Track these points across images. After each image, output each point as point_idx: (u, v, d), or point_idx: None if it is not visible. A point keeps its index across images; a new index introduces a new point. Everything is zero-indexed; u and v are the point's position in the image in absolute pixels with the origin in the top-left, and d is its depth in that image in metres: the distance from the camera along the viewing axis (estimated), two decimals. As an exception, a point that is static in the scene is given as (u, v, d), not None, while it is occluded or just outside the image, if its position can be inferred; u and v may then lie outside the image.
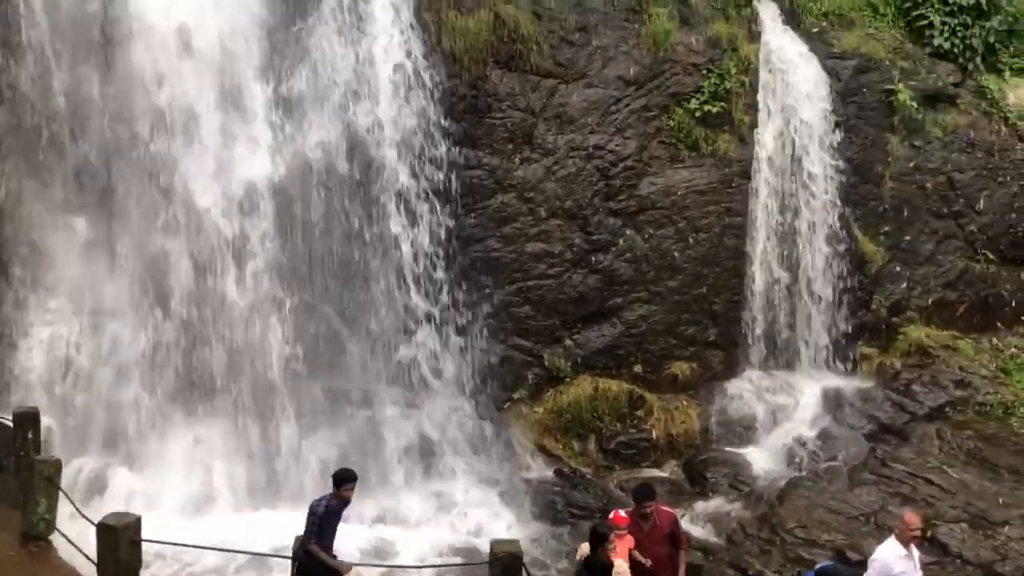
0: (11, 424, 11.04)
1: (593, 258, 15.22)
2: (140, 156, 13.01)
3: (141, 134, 12.98)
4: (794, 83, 16.15)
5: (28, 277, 13.05)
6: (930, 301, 16.80)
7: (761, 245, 16.14)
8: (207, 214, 13.23)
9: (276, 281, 13.51)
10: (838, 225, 16.22)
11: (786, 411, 15.59)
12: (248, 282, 13.37)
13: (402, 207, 14.18)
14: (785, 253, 16.18)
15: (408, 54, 14.09)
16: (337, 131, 13.75)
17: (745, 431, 15.30)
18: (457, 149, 14.37)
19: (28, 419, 11.01)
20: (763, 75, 16.08)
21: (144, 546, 9.38)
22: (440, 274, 14.40)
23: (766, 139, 16.14)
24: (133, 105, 12.96)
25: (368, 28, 13.90)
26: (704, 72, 15.57)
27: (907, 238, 16.82)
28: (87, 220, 13.19)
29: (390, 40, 14.02)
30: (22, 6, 12.56)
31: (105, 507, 10.91)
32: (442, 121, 14.22)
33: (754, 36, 16.14)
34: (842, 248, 16.26)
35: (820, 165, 16.10)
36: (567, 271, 15.09)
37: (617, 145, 15.14)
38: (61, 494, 10.30)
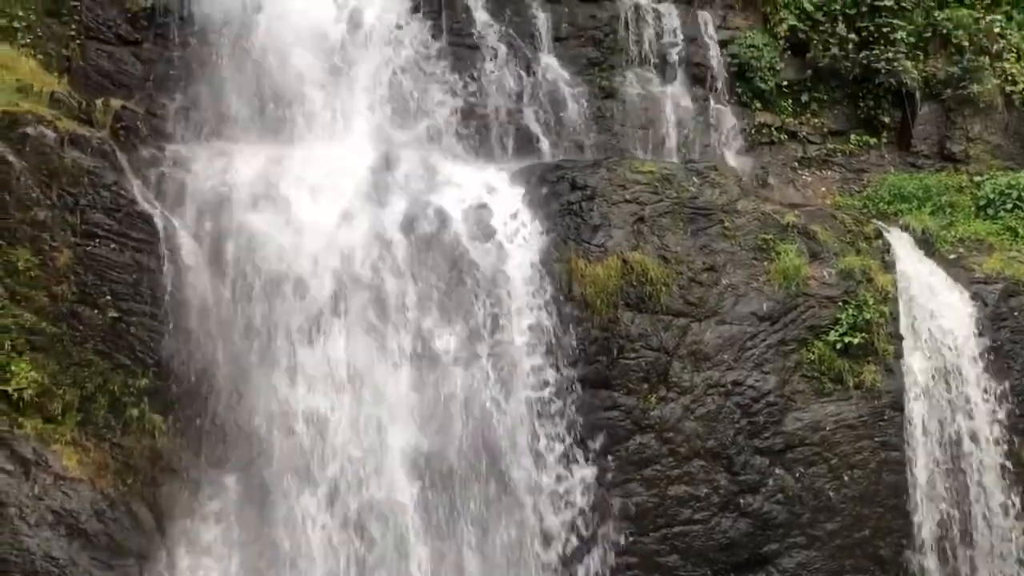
0: None
1: (742, 500, 14.44)
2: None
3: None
4: (937, 310, 15.70)
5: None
6: None
7: (924, 481, 15.01)
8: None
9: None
10: (1008, 456, 15.00)
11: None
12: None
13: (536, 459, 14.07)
14: (953, 489, 14.93)
15: (541, 305, 14.56)
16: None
17: None
18: (591, 391, 14.34)
19: None
20: (903, 304, 15.73)
21: None
22: (579, 523, 13.90)
23: (914, 369, 15.52)
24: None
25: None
26: (840, 304, 15.34)
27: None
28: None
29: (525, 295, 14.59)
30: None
31: None
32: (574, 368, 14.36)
33: (888, 266, 15.96)
34: (1017, 486, 14.94)
35: (978, 392, 15.22)
36: (715, 515, 14.32)
37: (757, 381, 14.79)
38: None
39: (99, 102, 14.78)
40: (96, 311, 13.11)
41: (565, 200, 14.90)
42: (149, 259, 13.45)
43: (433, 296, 14.02)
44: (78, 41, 15.31)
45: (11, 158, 13.05)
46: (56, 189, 13.16)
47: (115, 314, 13.17)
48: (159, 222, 13.57)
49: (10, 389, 12.40)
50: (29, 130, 13.26)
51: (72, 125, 13.82)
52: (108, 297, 13.15)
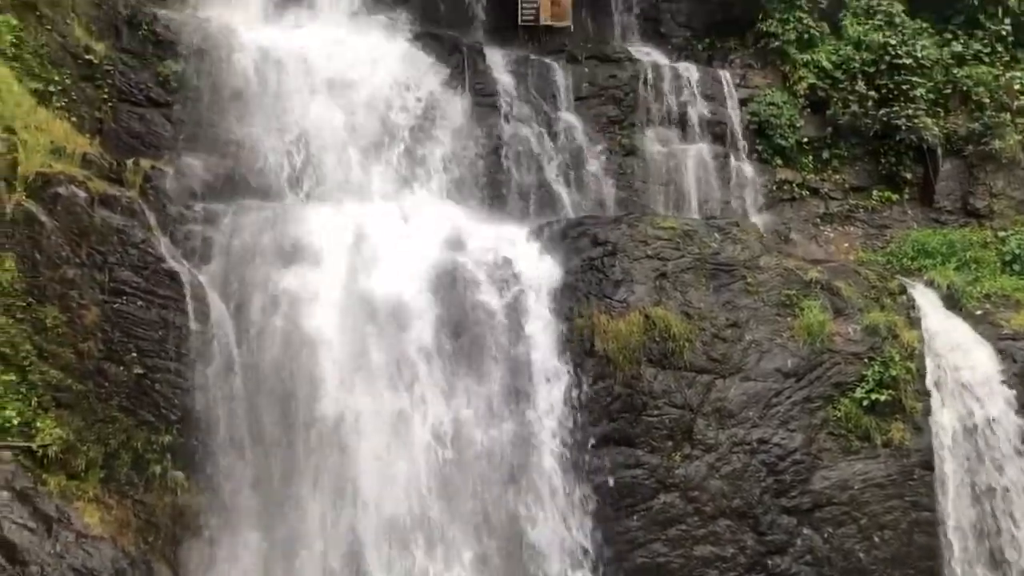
0: None
1: (769, 561, 14.15)
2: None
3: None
4: (965, 367, 15.47)
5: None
6: None
7: (958, 543, 14.64)
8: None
9: None
10: (1045, 517, 14.62)
11: None
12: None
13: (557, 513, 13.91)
14: (989, 551, 14.54)
15: (564, 361, 14.51)
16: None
17: None
18: (614, 449, 14.21)
19: None
20: (930, 361, 15.52)
21: None
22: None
23: (943, 426, 15.25)
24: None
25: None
26: (866, 360, 15.17)
27: None
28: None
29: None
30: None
31: None
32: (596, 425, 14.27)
33: (914, 322, 15.81)
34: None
35: (1010, 448, 14.90)
36: (742, 576, 14.06)
37: (783, 438, 14.60)
38: None
39: (130, 162, 15.10)
40: (122, 368, 13.23)
41: (587, 256, 14.95)
42: (175, 315, 13.60)
43: (454, 353, 14.03)
44: (110, 104, 15.69)
45: (43, 218, 13.33)
46: (86, 247, 13.39)
47: (140, 370, 13.27)
48: (186, 279, 13.74)
49: (35, 446, 12.47)
50: (61, 190, 13.56)
51: (103, 185, 14.11)
52: (134, 354, 13.27)
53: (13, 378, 12.77)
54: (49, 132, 14.41)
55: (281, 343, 14.03)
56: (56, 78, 15.22)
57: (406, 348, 13.92)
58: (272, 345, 13.96)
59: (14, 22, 15.01)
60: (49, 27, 15.40)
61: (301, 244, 14.33)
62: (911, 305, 16.02)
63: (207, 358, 13.64)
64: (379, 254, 14.38)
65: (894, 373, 14.98)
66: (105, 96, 15.72)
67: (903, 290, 16.26)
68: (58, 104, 15.13)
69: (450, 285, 14.34)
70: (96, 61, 15.64)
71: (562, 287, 14.70)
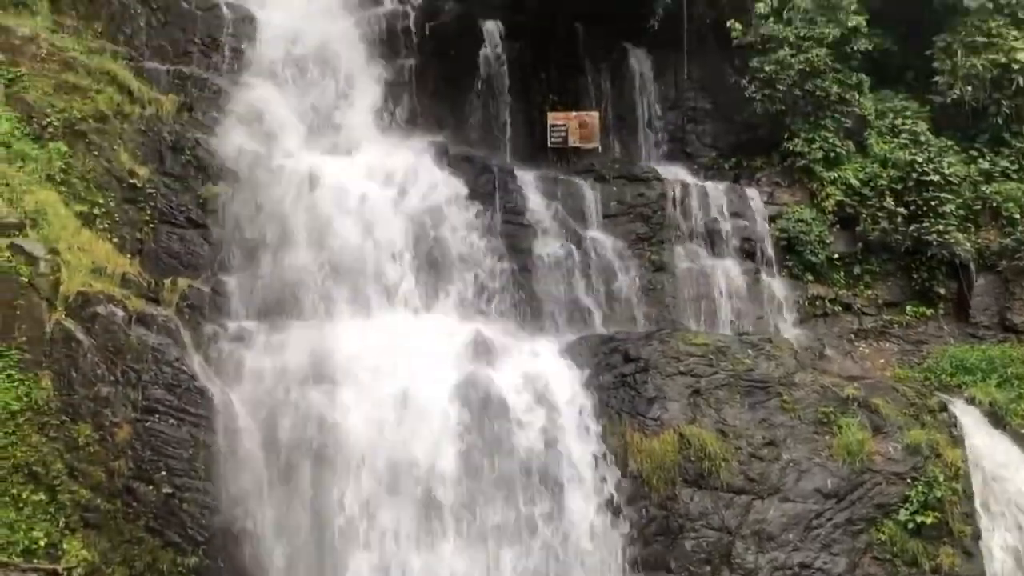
0: None
1: None
2: None
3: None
4: (1015, 487, 14.92)
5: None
6: None
7: None
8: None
9: None
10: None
11: None
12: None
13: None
14: None
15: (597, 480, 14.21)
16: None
17: None
18: (651, 575, 13.72)
19: None
20: (977, 481, 15.01)
21: None
22: None
23: (995, 551, 14.62)
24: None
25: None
26: (908, 481, 14.71)
27: None
28: None
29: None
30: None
31: None
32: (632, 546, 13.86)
33: (957, 440, 15.37)
34: None
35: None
36: None
37: (825, 563, 14.04)
38: None
39: (167, 282, 15.43)
40: (151, 487, 13.13)
41: (619, 372, 14.84)
42: (205, 434, 13.57)
43: (484, 471, 13.78)
44: (151, 225, 16.12)
45: (81, 336, 13.52)
46: (121, 365, 13.52)
47: (169, 490, 13.16)
48: (217, 397, 13.77)
49: (60, 568, 12.26)
50: (100, 309, 13.80)
51: (140, 304, 14.36)
52: (163, 472, 13.19)
53: (43, 498, 12.69)
54: (91, 253, 14.79)
55: (311, 463, 13.90)
56: (100, 201, 15.71)
57: (436, 463, 13.69)
58: (302, 465, 13.81)
59: (64, 149, 15.64)
60: (96, 153, 16.00)
61: (331, 363, 14.35)
62: (953, 423, 15.61)
63: (236, 478, 13.51)
64: (410, 369, 14.33)
65: (939, 494, 14.47)
66: (147, 218, 16.17)
67: (944, 407, 15.88)
68: (101, 226, 15.57)
69: (480, 401, 14.22)
70: (139, 184, 16.16)
71: (594, 404, 14.53)
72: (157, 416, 13.42)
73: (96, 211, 15.60)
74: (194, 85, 18.08)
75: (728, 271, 18.92)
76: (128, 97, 16.95)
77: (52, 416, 12.97)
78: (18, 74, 15.96)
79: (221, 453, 13.53)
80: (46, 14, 17.90)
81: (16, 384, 12.98)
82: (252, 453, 13.78)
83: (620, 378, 14.79)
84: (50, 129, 15.68)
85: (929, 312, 19.73)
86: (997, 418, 16.15)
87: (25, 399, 12.89)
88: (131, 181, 16.13)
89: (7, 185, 14.46)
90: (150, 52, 18.98)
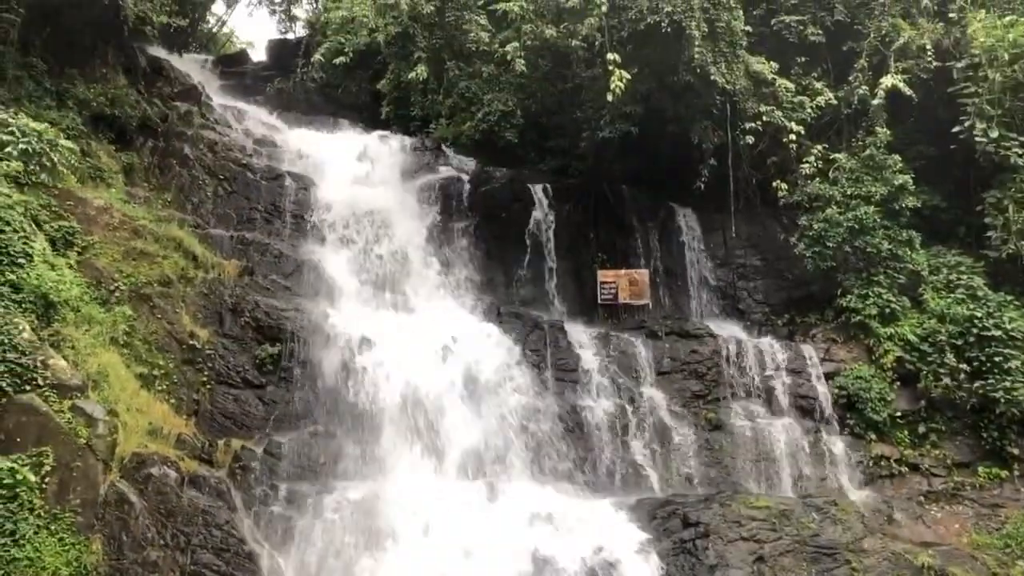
0: None
1: None
2: None
3: None
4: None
5: None
6: None
7: None
8: None
9: None
10: None
11: None
12: None
13: None
14: None
15: None
16: None
17: None
18: None
19: None
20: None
21: None
22: None
23: None
24: None
25: None
26: (997, 658, 13.62)
27: None
28: None
29: None
30: None
31: None
32: None
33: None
34: None
35: None
36: None
37: None
38: None
39: (221, 443, 15.48)
40: (196, 657, 12.71)
41: (677, 538, 14.27)
42: (253, 601, 13.21)
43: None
44: (208, 386, 16.35)
45: (133, 498, 13.48)
46: (171, 528, 13.38)
47: (215, 660, 12.72)
48: (264, 564, 13.48)
49: None
50: (154, 471, 13.81)
51: (194, 465, 14.37)
52: (209, 642, 12.79)
53: (88, 670, 12.34)
54: (149, 414, 14.98)
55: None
56: (160, 363, 16.05)
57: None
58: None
59: (129, 312, 16.14)
60: (159, 316, 16.48)
61: (381, 529, 14.05)
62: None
63: (281, 648, 13.05)
64: (463, 540, 13.91)
65: None
66: (204, 379, 16.41)
67: (1029, 579, 14.90)
68: (160, 387, 15.84)
69: (541, 568, 13.68)
70: (199, 346, 16.51)
71: (654, 573, 13.89)
72: (205, 582, 13.14)
73: (156, 372, 15.91)
74: (256, 250, 18.77)
75: (787, 430, 18.44)
76: (192, 262, 17.61)
77: (100, 581, 12.78)
78: (91, 242, 16.72)
79: (268, 621, 13.13)
80: (120, 186, 18.96)
81: (68, 548, 12.87)
82: (299, 622, 13.35)
83: (679, 544, 14.21)
84: (117, 293, 16.24)
85: (1004, 474, 18.80)
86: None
87: (75, 564, 12.74)
88: (191, 343, 16.48)
89: (73, 348, 14.85)
90: (215, 220, 19.89)
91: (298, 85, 30.19)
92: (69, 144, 16.90)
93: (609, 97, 18.80)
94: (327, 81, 30.04)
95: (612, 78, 18.54)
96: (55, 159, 16.20)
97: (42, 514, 12.89)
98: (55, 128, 17.02)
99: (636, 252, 22.83)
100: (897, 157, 21.33)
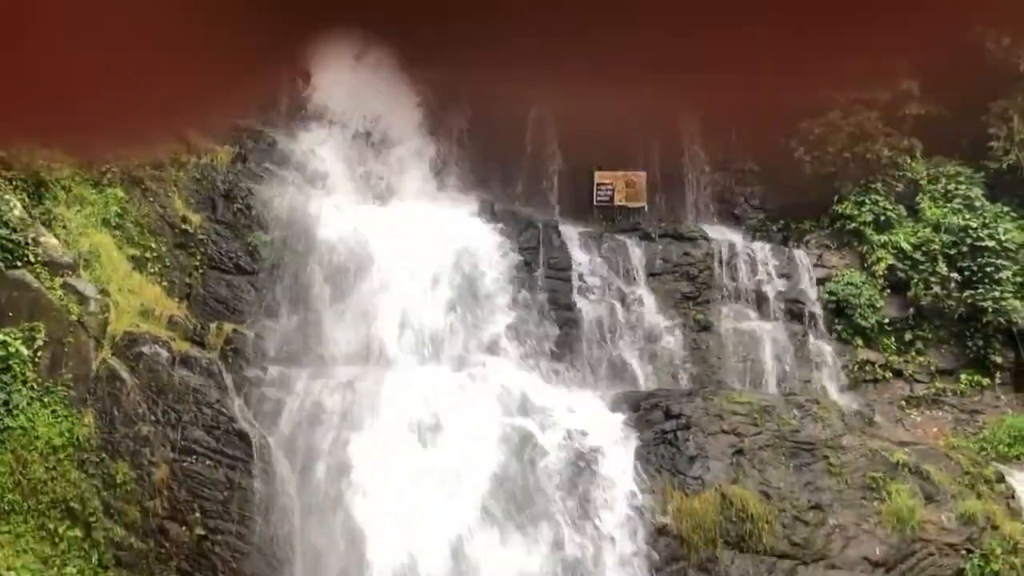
0: None
1: None
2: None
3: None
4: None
5: None
6: None
7: None
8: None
9: None
10: None
11: None
12: None
13: None
14: None
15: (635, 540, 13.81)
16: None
17: None
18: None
19: None
20: (1039, 555, 14.28)
21: None
22: None
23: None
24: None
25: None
26: (963, 553, 14.06)
27: None
28: None
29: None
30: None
31: None
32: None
33: (1015, 513, 14.69)
34: None
35: None
36: None
37: (876, 639, 13.40)
38: None
39: (213, 326, 15.63)
40: (184, 527, 13.12)
41: (659, 429, 14.54)
42: (241, 477, 13.55)
43: (517, 524, 13.48)
44: (201, 271, 16.44)
45: (125, 375, 13.74)
46: (162, 405, 13.66)
47: (202, 532, 13.13)
48: (255, 440, 13.78)
49: (90, 604, 12.27)
50: (145, 349, 14.03)
51: (185, 346, 14.57)
52: (197, 514, 13.18)
53: (78, 534, 12.77)
54: (141, 295, 15.11)
55: (344, 511, 13.76)
56: (153, 245, 16.09)
57: (466, 516, 13.44)
58: (335, 512, 13.68)
59: (121, 194, 16.12)
60: (151, 199, 16.46)
61: (366, 408, 14.31)
62: (1011, 494, 14.95)
63: (269, 522, 13.43)
64: (445, 420, 14.20)
65: (996, 568, 13.82)
66: (197, 263, 16.48)
67: (1001, 478, 15.23)
68: (152, 270, 15.92)
69: (518, 450, 13.99)
70: (191, 231, 16.52)
71: (633, 460, 14.21)
72: (195, 457, 13.48)
73: (148, 255, 15.97)
74: (249, 137, 18.59)
75: (775, 333, 18.58)
76: (185, 147, 17.45)
77: (92, 453, 13.12)
78: (82, 123, 16.56)
79: (256, 496, 13.48)
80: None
81: (60, 420, 13.19)
82: (287, 498, 13.70)
83: (661, 435, 14.47)
84: (108, 175, 16.17)
85: (985, 381, 19.08)
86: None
87: (68, 435, 13.08)
88: (183, 227, 16.49)
89: (64, 227, 14.91)
90: (209, 106, 19.60)
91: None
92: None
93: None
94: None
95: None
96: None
97: (35, 387, 13.18)
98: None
99: (635, 154, 22.60)
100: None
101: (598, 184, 21.61)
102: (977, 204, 19.97)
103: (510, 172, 21.71)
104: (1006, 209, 20.09)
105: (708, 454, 14.22)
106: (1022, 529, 14.47)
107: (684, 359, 17.71)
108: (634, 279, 18.53)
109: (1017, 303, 18.89)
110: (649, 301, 18.28)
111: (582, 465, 13.88)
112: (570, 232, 19.02)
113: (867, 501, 14.30)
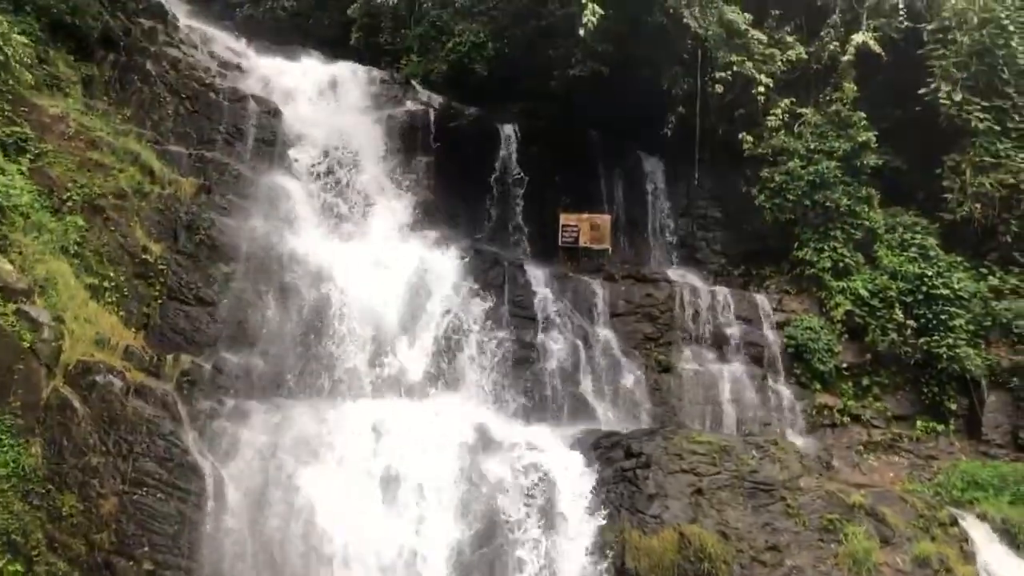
0: None
1: None
2: None
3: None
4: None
5: None
6: None
7: None
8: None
9: None
10: None
11: None
12: None
13: None
14: None
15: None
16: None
17: None
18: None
19: None
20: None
21: None
22: None
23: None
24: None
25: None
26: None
27: None
28: None
29: None
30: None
31: None
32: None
33: (968, 556, 14.79)
34: None
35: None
36: None
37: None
38: None
39: (170, 357, 15.38)
40: (131, 563, 12.73)
41: (619, 467, 14.49)
42: (193, 511, 13.24)
43: (478, 562, 13.31)
44: (160, 301, 16.20)
45: (77, 405, 13.40)
46: (114, 436, 13.33)
47: (150, 567, 12.75)
48: (208, 473, 13.51)
49: (29, 642, 11.82)
50: (98, 378, 13.72)
51: (140, 376, 14.29)
52: (146, 548, 12.82)
53: (19, 568, 12.31)
54: (97, 324, 14.82)
55: (300, 545, 13.50)
56: (111, 275, 15.84)
57: (427, 554, 13.26)
58: (289, 545, 13.42)
59: (80, 222, 15.90)
60: (112, 228, 16.25)
61: (323, 442, 14.12)
62: (964, 538, 15.05)
63: (219, 557, 13.12)
64: (403, 453, 14.05)
65: (953, 611, 13.85)
66: (156, 294, 16.25)
67: (954, 521, 15.34)
68: (110, 299, 15.64)
69: (478, 487, 13.87)
70: (152, 260, 16.31)
71: (592, 499, 14.13)
72: (145, 489, 13.13)
73: (106, 284, 15.70)
74: (215, 169, 18.52)
75: (735, 375, 18.73)
76: (149, 177, 17.33)
77: (38, 484, 12.70)
78: (44, 150, 16.37)
79: (206, 531, 13.18)
80: (78, 97, 18.52)
81: (6, 450, 12.79)
82: (239, 532, 13.40)
83: (620, 473, 14.42)
84: (69, 203, 15.97)
85: (940, 427, 19.33)
86: (1010, 536, 15.60)
87: (12, 465, 12.66)
88: (143, 257, 16.28)
89: (20, 253, 14.63)
90: (175, 138, 19.56)
91: (268, 13, 29.64)
92: (23, 39, 16.42)
93: (581, 32, 18.69)
94: (297, 10, 29.54)
95: (585, 12, 18.40)
96: (8, 53, 15.73)
97: (-19, 414, 12.80)
98: (8, 23, 16.49)
99: (600, 197, 22.88)
100: (862, 114, 21.47)
101: (564, 226, 21.80)
102: (932, 254, 20.42)
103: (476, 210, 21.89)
104: (959, 259, 20.55)
105: (667, 493, 14.18)
106: (974, 572, 14.56)
107: (645, 399, 17.74)
108: (597, 319, 18.61)
109: (970, 350, 19.24)
110: (611, 341, 18.34)
111: (542, 502, 13.78)
112: (535, 272, 19.11)
113: (824, 543, 14.32)
